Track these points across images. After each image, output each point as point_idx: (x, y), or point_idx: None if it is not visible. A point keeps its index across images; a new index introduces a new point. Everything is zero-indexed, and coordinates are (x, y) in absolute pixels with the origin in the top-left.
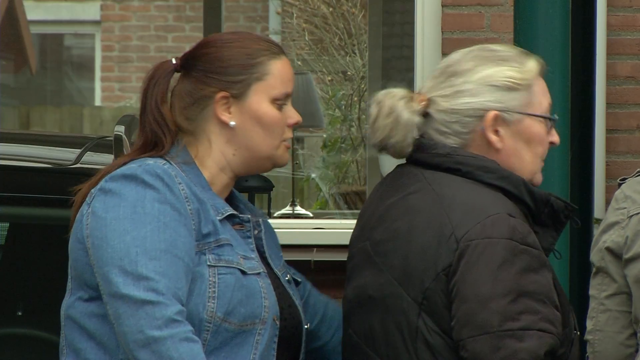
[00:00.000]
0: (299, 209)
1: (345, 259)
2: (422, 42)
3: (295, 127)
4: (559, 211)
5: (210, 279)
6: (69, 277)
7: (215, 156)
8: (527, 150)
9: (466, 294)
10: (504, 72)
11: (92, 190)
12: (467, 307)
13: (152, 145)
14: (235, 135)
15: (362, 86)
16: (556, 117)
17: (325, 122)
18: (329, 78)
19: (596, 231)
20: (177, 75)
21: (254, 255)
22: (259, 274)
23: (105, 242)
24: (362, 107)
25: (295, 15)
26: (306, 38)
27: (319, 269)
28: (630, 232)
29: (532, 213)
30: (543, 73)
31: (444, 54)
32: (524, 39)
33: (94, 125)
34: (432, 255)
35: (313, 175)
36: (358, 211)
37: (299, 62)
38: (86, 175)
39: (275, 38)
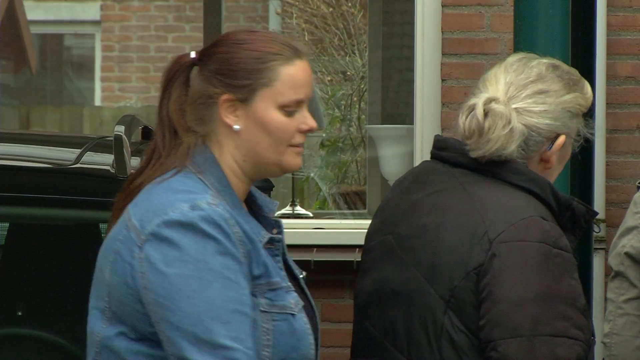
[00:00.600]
0: (299, 209)
1: (346, 259)
2: (422, 42)
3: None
4: (580, 216)
5: (264, 325)
6: (104, 306)
7: (228, 161)
8: (559, 168)
9: (499, 295)
10: (577, 99)
11: (139, 227)
12: (499, 309)
13: (168, 147)
14: (242, 140)
15: (362, 86)
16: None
17: (325, 122)
18: (329, 78)
19: (595, 229)
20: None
21: (284, 274)
22: (302, 307)
23: (173, 304)
24: (362, 107)
25: (295, 15)
26: (306, 38)
27: (319, 269)
28: None
29: (555, 216)
30: None
31: (444, 54)
32: (524, 39)
33: (94, 125)
34: (462, 253)
35: (312, 174)
36: (358, 211)
37: None
38: (86, 175)
39: None
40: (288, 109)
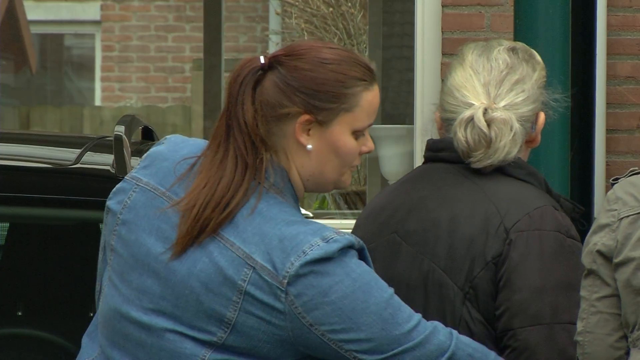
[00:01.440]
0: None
1: None
2: (422, 42)
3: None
4: (567, 212)
5: None
6: (218, 336)
7: (295, 179)
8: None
9: (518, 284)
10: (541, 72)
11: (273, 269)
12: (519, 298)
13: (236, 161)
14: (311, 160)
15: None
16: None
17: None
18: None
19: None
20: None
21: None
22: None
23: (353, 324)
24: None
25: (295, 15)
26: (306, 38)
27: None
28: (620, 236)
29: None
30: None
31: (444, 54)
32: (524, 39)
33: (94, 125)
34: (480, 243)
35: None
36: (358, 211)
37: None
38: (86, 175)
39: (275, 38)
40: (358, 133)
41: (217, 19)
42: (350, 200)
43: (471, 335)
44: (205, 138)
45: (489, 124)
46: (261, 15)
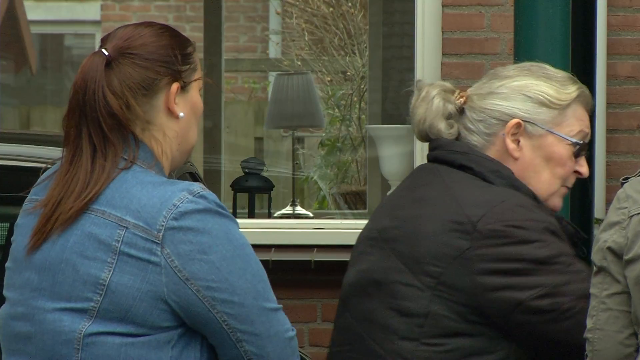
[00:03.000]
0: (299, 209)
1: (346, 259)
2: (422, 42)
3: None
4: (569, 236)
5: None
6: (89, 305)
7: (167, 152)
8: (545, 167)
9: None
10: (540, 87)
11: (146, 225)
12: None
13: (92, 154)
14: (180, 127)
15: (362, 86)
16: (584, 144)
17: (325, 122)
18: (329, 78)
19: (596, 230)
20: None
21: None
22: None
23: (228, 285)
24: (362, 107)
25: (295, 15)
26: (306, 38)
27: (319, 269)
28: (630, 233)
29: None
30: (587, 105)
31: (444, 54)
32: (524, 39)
33: None
34: (444, 241)
35: (314, 177)
36: (358, 211)
37: (299, 62)
38: None
39: (275, 38)
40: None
41: (217, 19)
42: (351, 200)
43: (438, 330)
44: (205, 137)
45: (418, 91)
46: (261, 15)
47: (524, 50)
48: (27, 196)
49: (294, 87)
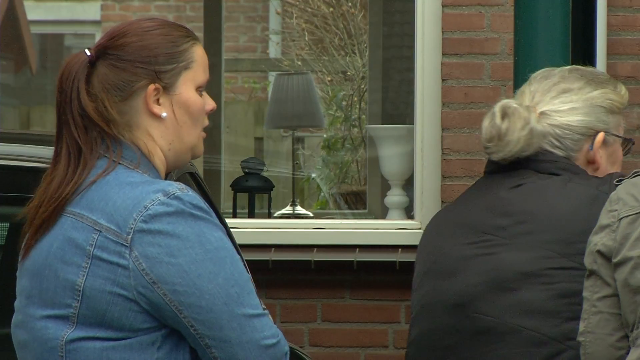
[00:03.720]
0: (299, 209)
1: (346, 259)
2: (422, 42)
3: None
4: None
5: None
6: (69, 312)
7: (156, 151)
8: (612, 170)
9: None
10: (607, 95)
11: (116, 227)
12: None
13: (68, 158)
14: (167, 127)
15: (362, 86)
16: (634, 140)
17: (327, 122)
18: (329, 78)
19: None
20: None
21: None
22: None
23: (196, 289)
24: (362, 107)
25: (295, 15)
26: (306, 38)
27: (319, 269)
28: (619, 236)
29: None
30: None
31: (444, 54)
32: (524, 39)
33: None
34: (584, 217)
35: (313, 175)
36: (358, 211)
37: (299, 62)
38: None
39: (276, 38)
40: (200, 90)
41: (217, 19)
42: (351, 200)
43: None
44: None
45: (503, 116)
46: (261, 15)
47: (524, 50)
48: (26, 196)
49: (294, 87)
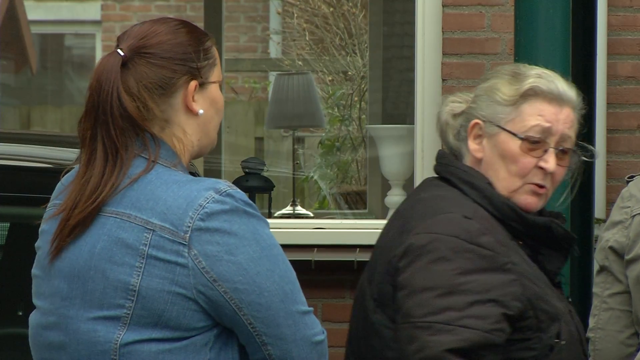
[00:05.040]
0: (300, 209)
1: (346, 259)
2: (423, 42)
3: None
4: (560, 238)
5: None
6: (123, 312)
7: (189, 149)
8: (502, 165)
9: (402, 283)
10: (498, 84)
11: (172, 226)
12: (400, 295)
13: (105, 156)
14: (198, 124)
15: (363, 86)
16: (528, 137)
17: (326, 121)
18: (330, 78)
19: (597, 230)
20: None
21: None
22: None
23: (256, 287)
24: (363, 107)
25: (295, 15)
26: (307, 38)
27: (319, 269)
28: (632, 233)
29: (529, 236)
30: (552, 98)
31: (444, 54)
32: (524, 39)
33: None
34: (390, 249)
35: (313, 174)
36: (359, 211)
37: (300, 62)
38: None
39: (276, 38)
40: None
41: (217, 19)
42: (351, 200)
43: (381, 340)
44: None
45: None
46: (261, 15)
47: (524, 50)
48: (26, 196)
49: (295, 87)
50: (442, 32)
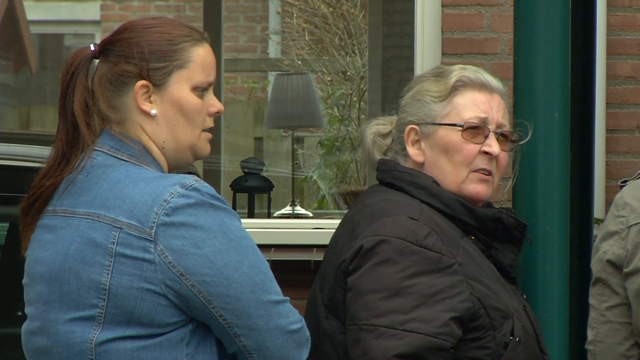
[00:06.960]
0: (299, 209)
1: None
2: (422, 42)
3: (216, 116)
4: (511, 228)
5: None
6: (96, 312)
7: (153, 148)
8: (445, 160)
9: (350, 285)
10: (424, 86)
11: (138, 223)
12: (348, 297)
13: (67, 142)
14: (159, 125)
15: (362, 86)
16: (468, 124)
17: (325, 121)
18: (329, 78)
19: (596, 230)
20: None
21: None
22: None
23: (224, 279)
24: (362, 107)
25: (295, 15)
26: (306, 38)
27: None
28: (630, 245)
29: (481, 230)
30: (482, 88)
31: (444, 54)
32: (524, 39)
33: None
34: (341, 256)
35: (312, 174)
36: None
37: (299, 62)
38: None
39: (275, 38)
40: (200, 92)
41: (217, 19)
42: (351, 200)
43: (334, 346)
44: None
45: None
46: (261, 15)
47: (524, 50)
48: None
49: (294, 87)
50: (442, 32)
